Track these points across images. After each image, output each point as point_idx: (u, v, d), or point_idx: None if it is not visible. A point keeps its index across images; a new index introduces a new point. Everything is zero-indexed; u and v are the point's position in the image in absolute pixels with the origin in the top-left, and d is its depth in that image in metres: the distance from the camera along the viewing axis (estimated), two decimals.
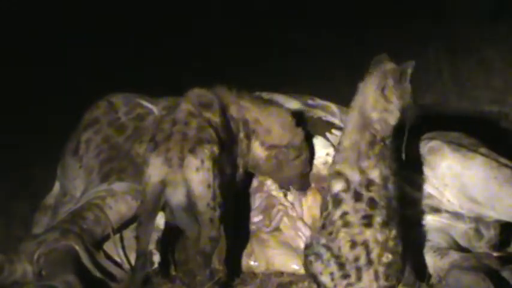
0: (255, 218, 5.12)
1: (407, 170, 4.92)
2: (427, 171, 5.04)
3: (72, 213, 4.96)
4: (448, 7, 10.28)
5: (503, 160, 5.04)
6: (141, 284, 4.64)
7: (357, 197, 4.51)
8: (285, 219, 5.09)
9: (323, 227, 4.52)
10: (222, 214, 4.59)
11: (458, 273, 4.57)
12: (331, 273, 4.42)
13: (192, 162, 4.54)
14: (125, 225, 5.02)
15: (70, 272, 4.60)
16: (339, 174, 4.53)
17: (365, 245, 4.44)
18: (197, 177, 4.54)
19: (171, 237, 5.02)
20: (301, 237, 5.06)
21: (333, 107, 5.38)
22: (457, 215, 5.01)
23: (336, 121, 5.26)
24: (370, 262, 4.41)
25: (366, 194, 4.51)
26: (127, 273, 4.87)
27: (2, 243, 5.64)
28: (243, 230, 5.10)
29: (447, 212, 5.02)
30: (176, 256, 5.03)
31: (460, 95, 8.23)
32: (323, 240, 4.47)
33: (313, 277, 4.48)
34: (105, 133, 5.27)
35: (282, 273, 5.02)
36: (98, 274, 4.78)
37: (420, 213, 5.00)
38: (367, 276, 4.40)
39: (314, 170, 5.08)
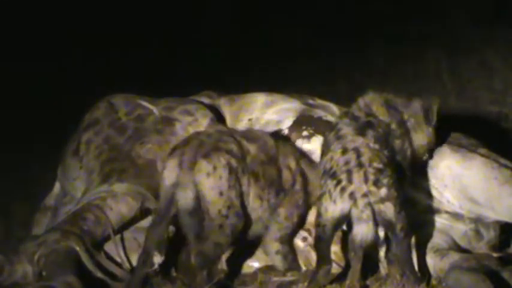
0: None
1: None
2: (426, 171, 5.04)
3: (72, 214, 4.95)
4: (448, 8, 10.27)
5: (503, 161, 5.04)
6: (141, 283, 4.65)
7: (354, 118, 4.65)
8: None
9: (321, 155, 4.64)
10: (236, 224, 4.61)
11: (458, 274, 4.58)
12: (329, 191, 4.44)
13: (204, 166, 4.57)
14: (125, 226, 5.03)
15: (70, 272, 4.60)
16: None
17: (356, 150, 4.52)
18: (208, 182, 4.56)
19: (172, 238, 5.02)
20: (301, 237, 5.06)
21: (333, 106, 5.39)
22: (456, 216, 5.01)
23: None
24: (360, 164, 4.46)
25: (363, 118, 4.61)
26: (127, 274, 4.87)
27: (2, 244, 5.65)
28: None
29: (447, 212, 5.02)
30: (177, 257, 5.03)
31: (460, 95, 8.23)
32: (320, 167, 4.59)
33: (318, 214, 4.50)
34: (106, 134, 5.27)
35: (282, 273, 5.02)
36: (98, 275, 4.77)
37: (420, 214, 5.00)
38: (357, 177, 4.42)
39: None
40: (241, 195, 4.66)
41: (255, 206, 4.76)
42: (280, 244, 4.91)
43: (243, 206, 4.69)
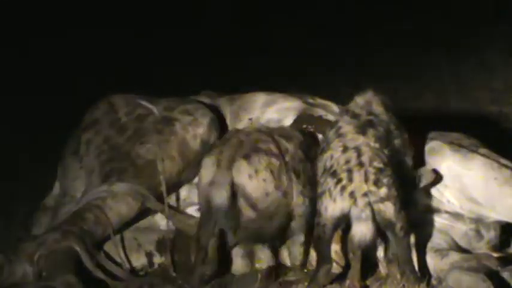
0: None
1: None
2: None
3: (72, 214, 4.96)
4: (448, 7, 10.28)
5: (503, 161, 5.04)
6: (200, 281, 4.67)
7: (355, 116, 4.65)
8: None
9: (321, 152, 4.62)
10: (282, 221, 4.71)
11: (458, 274, 4.58)
12: (329, 189, 4.44)
13: (244, 167, 4.59)
14: (125, 226, 5.03)
15: (70, 272, 4.60)
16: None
17: (356, 149, 4.51)
18: (251, 184, 4.58)
19: (172, 238, 5.02)
20: None
21: (333, 106, 5.39)
22: (457, 216, 5.01)
23: None
24: (360, 164, 4.46)
25: (364, 116, 4.60)
26: (127, 274, 4.87)
27: (2, 243, 5.63)
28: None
29: (447, 212, 5.02)
30: (176, 257, 5.03)
31: (460, 95, 8.23)
32: (320, 165, 4.58)
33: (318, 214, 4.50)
34: (106, 134, 5.27)
35: (282, 273, 5.00)
36: (98, 275, 4.77)
37: (420, 214, 4.99)
38: (358, 176, 4.42)
39: None
40: (285, 194, 4.69)
41: (299, 203, 4.77)
42: (304, 236, 4.91)
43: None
